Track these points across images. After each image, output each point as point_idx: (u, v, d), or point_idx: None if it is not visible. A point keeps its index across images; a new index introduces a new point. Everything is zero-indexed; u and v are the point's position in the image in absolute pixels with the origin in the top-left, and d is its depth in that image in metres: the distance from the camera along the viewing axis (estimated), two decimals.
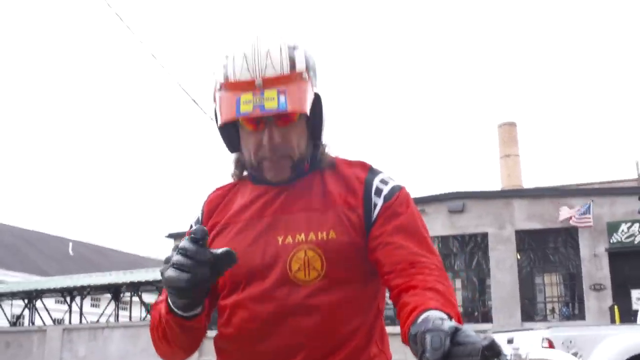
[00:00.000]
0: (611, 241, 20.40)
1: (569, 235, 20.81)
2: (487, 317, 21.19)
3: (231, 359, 1.68)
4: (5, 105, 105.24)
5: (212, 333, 1.65)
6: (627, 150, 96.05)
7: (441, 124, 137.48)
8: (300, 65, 1.60)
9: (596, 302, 20.10)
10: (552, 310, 21.84)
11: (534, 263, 22.48)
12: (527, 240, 21.78)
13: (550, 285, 22.83)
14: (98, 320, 30.74)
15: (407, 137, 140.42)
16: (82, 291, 30.39)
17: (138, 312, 31.80)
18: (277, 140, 1.60)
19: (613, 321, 17.43)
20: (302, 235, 1.61)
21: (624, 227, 20.31)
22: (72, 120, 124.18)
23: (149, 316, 29.70)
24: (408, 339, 1.26)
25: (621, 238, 20.33)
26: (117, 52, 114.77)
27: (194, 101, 13.56)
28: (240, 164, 1.76)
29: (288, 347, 1.57)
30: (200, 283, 1.37)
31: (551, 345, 9.19)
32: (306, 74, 1.60)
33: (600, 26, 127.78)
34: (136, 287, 29.56)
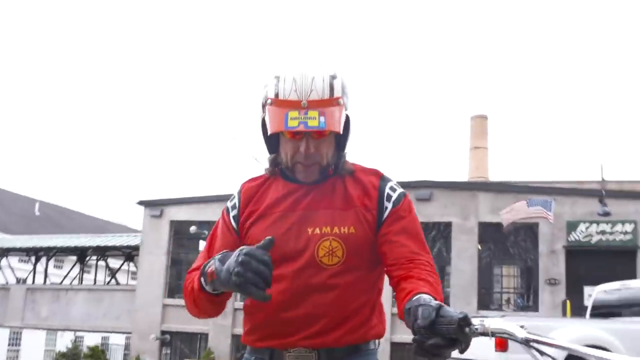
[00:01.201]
0: (569, 239, 20.88)
1: (529, 230, 21.26)
2: (445, 303, 21.68)
3: (258, 323, 2.12)
4: None
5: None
6: (592, 152, 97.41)
7: (416, 113, 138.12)
8: (337, 92, 2.02)
9: (550, 296, 20.59)
10: (508, 301, 22.39)
11: (493, 254, 23.06)
12: (489, 232, 22.26)
13: (508, 277, 23.47)
14: (62, 282, 30.81)
15: (382, 124, 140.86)
16: (48, 252, 30.47)
17: (102, 276, 31.91)
18: (311, 150, 2.03)
19: (564, 315, 18.04)
20: (328, 228, 2.05)
21: (582, 226, 20.81)
22: (45, 79, 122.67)
23: (113, 280, 29.96)
24: (404, 312, 1.74)
25: (579, 237, 20.81)
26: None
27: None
28: (274, 163, 2.17)
29: (311, 315, 2.02)
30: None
31: None
32: (342, 100, 2.03)
33: (573, 26, 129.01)
34: (102, 252, 29.75)
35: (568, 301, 18.48)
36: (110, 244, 29.18)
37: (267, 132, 2.07)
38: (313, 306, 2.02)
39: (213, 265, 1.83)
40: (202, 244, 25.74)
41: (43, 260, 31.19)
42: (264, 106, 2.06)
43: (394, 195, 2.13)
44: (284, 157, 2.10)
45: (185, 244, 25.55)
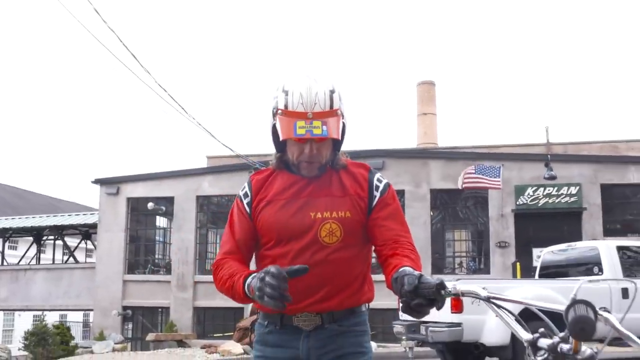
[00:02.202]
0: (517, 203, 21.60)
1: (479, 195, 21.90)
2: None
3: None
4: None
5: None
6: (538, 115, 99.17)
7: (362, 80, 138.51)
8: (336, 104, 2.47)
9: (501, 258, 21.38)
10: (460, 264, 23.06)
11: (445, 220, 23.78)
12: (440, 199, 22.93)
13: (460, 241, 24.18)
14: (19, 263, 30.75)
15: None
16: (5, 233, 30.38)
17: (58, 255, 31.88)
18: (314, 152, 2.48)
19: (515, 276, 18.84)
20: (328, 213, 2.51)
21: (530, 190, 21.53)
22: None
23: (71, 259, 29.96)
24: (391, 282, 2.21)
25: (527, 200, 21.54)
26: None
27: (127, 48, 13.87)
28: (281, 160, 2.61)
29: (315, 285, 2.48)
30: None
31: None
32: (339, 110, 2.48)
33: None
34: (59, 231, 29.73)
35: (518, 263, 19.31)
36: (66, 222, 29.19)
37: (276, 135, 2.51)
38: (317, 278, 2.47)
39: (252, 281, 2.27)
40: (160, 220, 26.14)
41: None
42: (274, 115, 2.50)
43: (381, 186, 2.60)
44: (290, 157, 2.54)
45: (142, 220, 25.73)
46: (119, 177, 25.40)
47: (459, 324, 10.53)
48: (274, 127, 2.51)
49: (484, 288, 2.17)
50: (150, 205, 24.16)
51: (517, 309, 2.31)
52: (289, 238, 2.50)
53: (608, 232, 20.79)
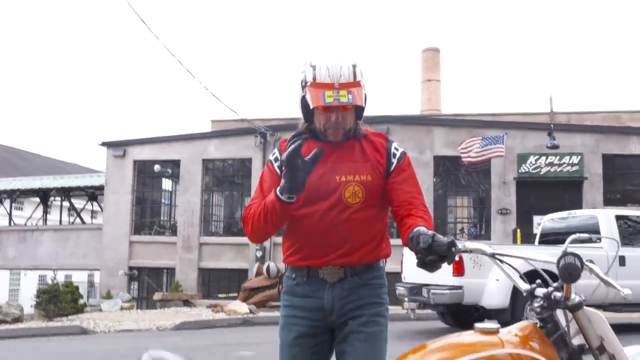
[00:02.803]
0: (520, 171, 21.84)
1: (482, 163, 22.03)
2: None
3: (299, 248, 2.86)
4: None
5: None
6: (542, 85, 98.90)
7: (368, 47, 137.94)
8: (359, 77, 2.75)
9: (502, 225, 21.68)
10: (462, 230, 23.31)
11: (447, 187, 24.03)
12: (443, 165, 23.13)
13: (461, 208, 24.46)
14: (25, 224, 31.15)
15: None
16: (12, 195, 30.74)
17: (63, 216, 32.27)
18: (339, 120, 2.78)
19: (515, 242, 19.15)
20: (352, 176, 2.81)
21: (532, 159, 21.77)
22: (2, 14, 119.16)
23: (78, 220, 30.33)
24: (407, 240, 2.52)
25: (529, 169, 21.78)
26: None
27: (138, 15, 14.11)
28: (308, 129, 2.88)
29: (339, 241, 2.78)
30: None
31: (461, 259, 10.81)
32: (362, 82, 2.77)
33: None
34: (66, 192, 30.06)
35: (518, 229, 19.62)
36: (73, 184, 29.51)
37: (304, 106, 2.81)
38: (340, 234, 2.78)
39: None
40: (166, 182, 26.46)
41: (6, 203, 31.44)
42: (303, 87, 2.78)
43: (398, 154, 2.92)
44: (317, 125, 2.84)
45: (148, 183, 26.05)
46: (126, 140, 25.66)
47: (460, 287, 10.89)
48: (303, 98, 2.80)
49: (490, 246, 2.49)
50: (156, 167, 24.47)
51: (520, 267, 2.62)
52: (316, 199, 2.78)
53: (608, 202, 21.02)
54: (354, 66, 2.76)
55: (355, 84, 2.73)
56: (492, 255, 2.44)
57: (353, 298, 2.82)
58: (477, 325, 2.24)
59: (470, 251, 2.46)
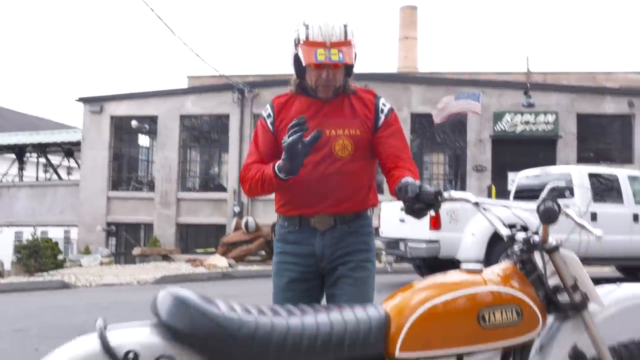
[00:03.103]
0: (495, 129, 22.07)
1: (458, 121, 22.11)
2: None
3: (291, 198, 3.02)
4: None
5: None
6: (519, 45, 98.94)
7: (346, 3, 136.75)
8: (349, 36, 2.86)
9: (477, 182, 21.96)
10: (437, 186, 23.64)
11: (423, 144, 24.18)
12: (420, 123, 23.19)
13: (437, 164, 24.70)
14: (1, 180, 30.91)
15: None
16: None
17: (39, 172, 32.08)
18: (330, 77, 2.91)
19: (490, 198, 19.46)
20: (341, 130, 2.96)
21: (508, 117, 21.99)
22: None
23: (54, 176, 30.15)
24: (396, 190, 2.68)
25: (505, 127, 22.01)
26: None
27: None
28: (299, 86, 3.03)
29: (329, 191, 2.95)
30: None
31: (437, 213, 11.02)
32: (353, 41, 2.88)
33: None
34: (43, 148, 29.86)
35: (493, 186, 19.89)
36: (49, 140, 29.29)
37: (297, 63, 2.94)
38: (331, 185, 2.94)
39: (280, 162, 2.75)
40: (143, 138, 26.38)
41: None
42: (296, 45, 2.90)
43: (385, 109, 3.07)
44: (309, 82, 2.97)
45: (126, 139, 25.98)
46: (102, 96, 25.43)
47: (436, 241, 11.11)
48: (295, 55, 2.93)
49: (473, 195, 2.66)
50: (133, 123, 24.35)
51: (503, 216, 2.80)
52: None
53: (582, 160, 21.23)
54: (346, 26, 2.87)
55: (346, 43, 2.85)
56: (476, 204, 2.61)
57: (342, 245, 2.98)
58: (462, 265, 2.42)
59: (456, 199, 2.63)
